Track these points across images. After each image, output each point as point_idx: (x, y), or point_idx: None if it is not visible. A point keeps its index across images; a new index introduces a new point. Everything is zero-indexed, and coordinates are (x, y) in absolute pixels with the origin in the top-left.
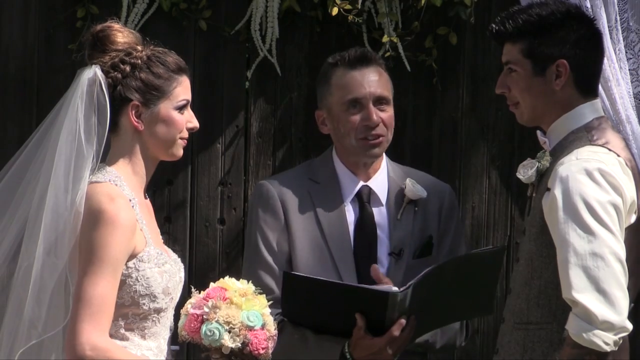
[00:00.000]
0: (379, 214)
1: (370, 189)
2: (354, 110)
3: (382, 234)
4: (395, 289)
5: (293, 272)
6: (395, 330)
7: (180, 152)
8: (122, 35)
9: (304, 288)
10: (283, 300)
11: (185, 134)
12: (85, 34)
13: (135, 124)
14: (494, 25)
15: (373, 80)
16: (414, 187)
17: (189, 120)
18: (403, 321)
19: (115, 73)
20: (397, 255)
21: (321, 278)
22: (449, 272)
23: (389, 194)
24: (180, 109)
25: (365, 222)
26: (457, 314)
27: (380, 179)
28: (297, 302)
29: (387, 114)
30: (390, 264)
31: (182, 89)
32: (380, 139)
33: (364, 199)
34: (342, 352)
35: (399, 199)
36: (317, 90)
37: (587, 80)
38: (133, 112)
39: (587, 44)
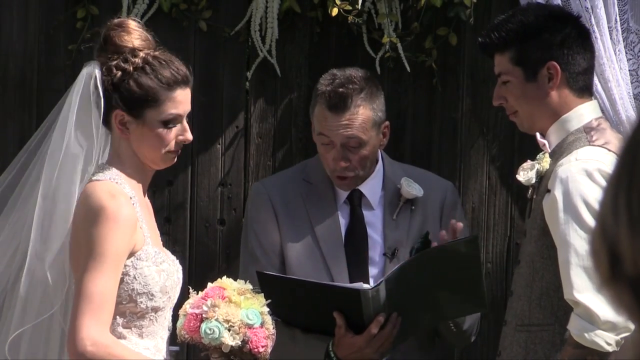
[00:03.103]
0: (372, 215)
1: (361, 192)
2: (327, 147)
3: (376, 235)
4: (366, 286)
5: (266, 272)
6: (373, 328)
7: (169, 163)
8: (129, 36)
9: (280, 288)
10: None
11: (173, 147)
12: (102, 26)
13: (119, 130)
14: (480, 39)
15: (345, 124)
16: (409, 187)
17: (179, 133)
18: (381, 319)
19: (109, 77)
20: (391, 255)
21: (294, 277)
22: (423, 266)
23: (384, 194)
24: (167, 123)
25: (356, 224)
26: (448, 311)
27: (373, 183)
28: (278, 301)
29: (359, 155)
30: (385, 264)
31: (172, 103)
32: (348, 179)
33: (355, 202)
34: (326, 351)
35: (395, 198)
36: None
37: (580, 78)
38: (117, 119)
39: (574, 42)
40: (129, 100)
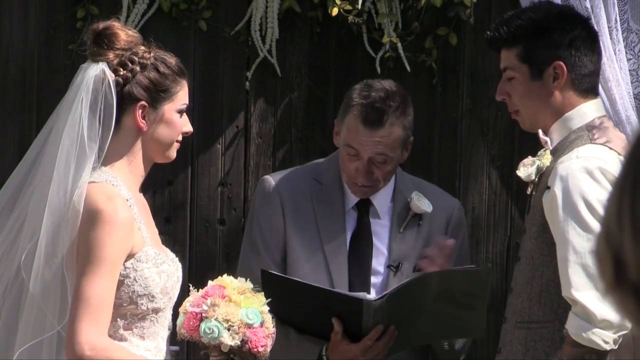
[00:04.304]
0: (379, 225)
1: (369, 201)
2: (352, 157)
3: (382, 246)
4: (370, 296)
5: (270, 271)
6: (370, 339)
7: (174, 155)
8: (126, 34)
9: (283, 288)
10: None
11: (180, 138)
12: (87, 31)
13: (140, 124)
14: (488, 33)
15: (377, 141)
16: (419, 202)
17: (184, 124)
18: (379, 330)
19: (125, 72)
20: (396, 268)
21: (298, 280)
22: (429, 287)
23: (394, 206)
24: (181, 112)
25: (362, 232)
26: (444, 332)
27: (383, 193)
28: (278, 301)
29: (384, 170)
30: (389, 276)
31: (184, 92)
32: (367, 188)
33: (363, 210)
34: (319, 355)
35: (403, 211)
36: (343, 100)
37: (586, 79)
38: (140, 111)
39: (582, 43)
40: (152, 91)
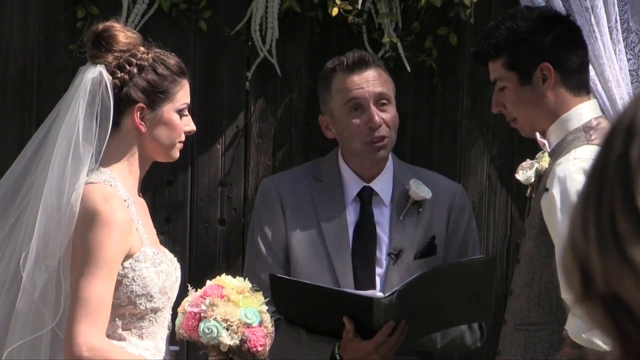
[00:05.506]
0: (381, 214)
1: (372, 190)
2: (356, 114)
3: (384, 235)
4: (380, 294)
5: (279, 275)
6: (382, 335)
7: (177, 155)
8: (125, 35)
9: (292, 291)
10: (274, 302)
11: (183, 138)
12: (86, 32)
13: (139, 125)
14: (472, 48)
15: (372, 81)
16: (417, 188)
17: (186, 124)
18: (390, 326)
19: (122, 74)
20: (396, 256)
21: (307, 282)
22: (437, 280)
23: (393, 195)
24: (181, 112)
25: (365, 223)
26: (453, 320)
27: (384, 180)
28: (287, 304)
29: (390, 114)
30: (389, 265)
31: (184, 92)
32: (385, 140)
33: (366, 200)
34: (332, 354)
35: (402, 199)
36: (319, 95)
37: (575, 75)
38: (138, 113)
39: (565, 41)
40: (150, 93)
